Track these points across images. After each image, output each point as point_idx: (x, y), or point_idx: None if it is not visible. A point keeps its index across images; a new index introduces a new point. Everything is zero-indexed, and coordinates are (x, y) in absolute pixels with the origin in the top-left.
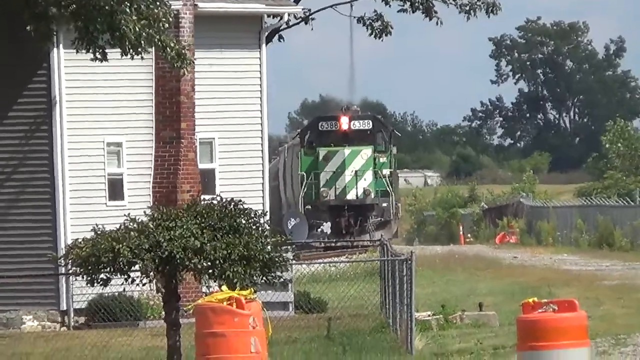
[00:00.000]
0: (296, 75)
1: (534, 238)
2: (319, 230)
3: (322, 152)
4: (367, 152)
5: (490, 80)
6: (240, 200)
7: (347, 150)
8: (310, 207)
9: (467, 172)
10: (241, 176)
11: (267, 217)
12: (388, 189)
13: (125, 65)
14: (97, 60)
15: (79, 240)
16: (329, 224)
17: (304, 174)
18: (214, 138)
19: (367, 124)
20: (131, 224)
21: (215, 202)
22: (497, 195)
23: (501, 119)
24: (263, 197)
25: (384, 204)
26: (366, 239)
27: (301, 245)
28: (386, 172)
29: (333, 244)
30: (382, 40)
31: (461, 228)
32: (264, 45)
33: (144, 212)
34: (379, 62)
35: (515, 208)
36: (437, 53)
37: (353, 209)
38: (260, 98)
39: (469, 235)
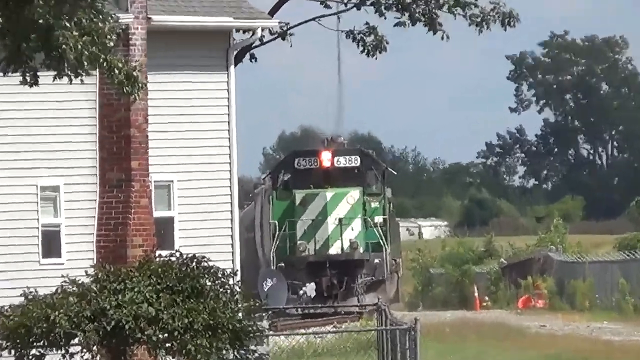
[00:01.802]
0: (273, 102)
1: (566, 301)
2: (301, 292)
3: (299, 195)
4: (354, 194)
5: (509, 108)
6: (204, 257)
7: (329, 193)
8: (284, 264)
9: (483, 221)
10: (206, 226)
11: (238, 278)
12: (381, 240)
13: (62, 92)
14: (27, 85)
15: (6, 307)
16: (312, 285)
17: (277, 223)
18: (172, 180)
19: (354, 161)
20: (70, 286)
21: (173, 258)
22: (520, 249)
23: (523, 155)
24: (233, 252)
25: (377, 260)
26: (353, 303)
27: (278, 312)
28: (379, 219)
29: (316, 310)
30: (375, 59)
31: (476, 289)
32: (232, 66)
33: (86, 271)
34: (373, 86)
35: (542, 264)
36: (444, 75)
37: (337, 267)
38: (229, 131)
39: (485, 298)
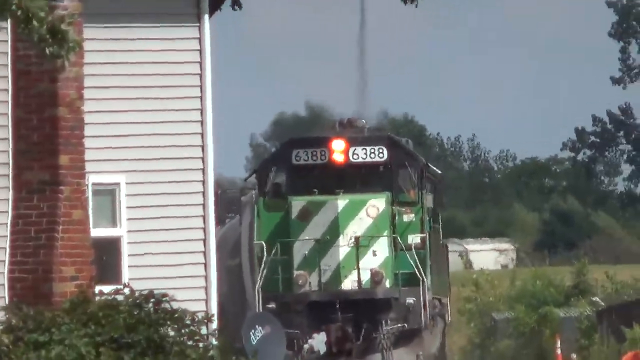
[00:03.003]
0: (266, 69)
1: None
2: (306, 346)
3: (297, 203)
4: (377, 203)
5: (612, 79)
6: (165, 295)
7: (341, 201)
8: (275, 304)
9: (570, 243)
10: (168, 250)
11: (215, 325)
12: (417, 271)
13: None
14: None
15: None
16: (322, 336)
17: (264, 245)
18: (118, 183)
19: (379, 153)
20: None
21: (120, 297)
22: (624, 284)
23: (630, 146)
24: (207, 287)
25: (410, 300)
26: None
27: None
28: (414, 240)
29: None
30: (416, 6)
31: (558, 343)
32: (206, 15)
33: None
34: (411, 48)
35: None
36: (514, 33)
37: (352, 309)
38: (201, 110)
39: (573, 356)
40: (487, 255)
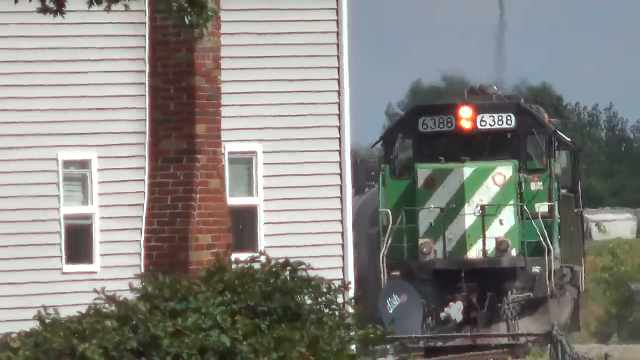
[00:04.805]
0: (404, 39)
1: None
2: (442, 315)
3: (422, 171)
4: (504, 171)
5: None
6: (302, 264)
7: (467, 169)
8: (400, 272)
9: None
10: (304, 219)
11: (351, 293)
12: (543, 241)
13: (97, 24)
14: (48, 13)
15: (13, 335)
16: (459, 305)
17: (389, 213)
18: (255, 152)
19: (507, 120)
20: (107, 305)
21: (257, 265)
22: None
23: None
24: (344, 256)
25: (535, 269)
26: (499, 332)
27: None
28: (542, 208)
29: (446, 342)
30: None
31: None
32: None
33: (130, 284)
34: (553, 15)
35: None
36: None
37: (477, 278)
38: (338, 80)
39: None
40: (624, 224)
